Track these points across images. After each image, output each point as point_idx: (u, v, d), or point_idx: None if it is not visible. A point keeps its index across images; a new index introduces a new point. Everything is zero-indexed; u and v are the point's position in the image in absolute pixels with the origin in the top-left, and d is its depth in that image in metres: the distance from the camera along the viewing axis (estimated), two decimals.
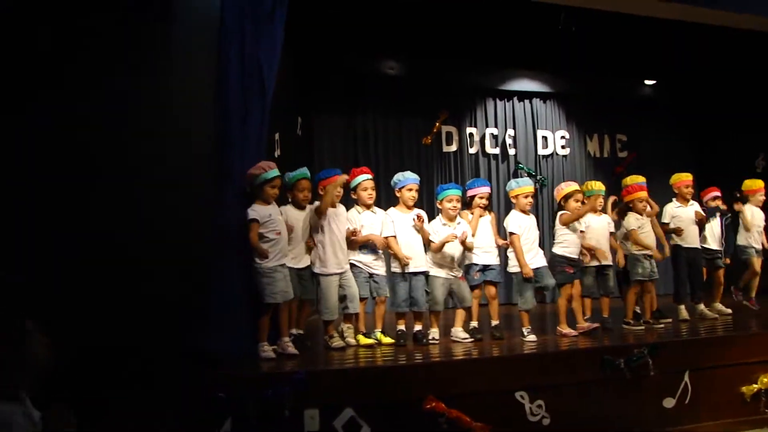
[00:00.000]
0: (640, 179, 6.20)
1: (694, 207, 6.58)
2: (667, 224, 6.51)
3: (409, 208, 5.44)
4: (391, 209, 5.48)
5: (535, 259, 5.55)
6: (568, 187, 5.81)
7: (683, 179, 6.68)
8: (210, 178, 4.67)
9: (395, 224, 5.34)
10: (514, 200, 5.71)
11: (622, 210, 6.22)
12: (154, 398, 3.83)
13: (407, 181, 5.45)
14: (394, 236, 5.32)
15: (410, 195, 5.42)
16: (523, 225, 5.55)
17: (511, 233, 5.54)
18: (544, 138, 9.52)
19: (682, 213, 6.53)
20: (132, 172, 4.35)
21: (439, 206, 5.57)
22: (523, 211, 5.63)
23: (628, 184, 6.23)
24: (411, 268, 5.29)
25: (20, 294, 2.51)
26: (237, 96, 4.70)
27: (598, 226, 5.93)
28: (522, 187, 5.70)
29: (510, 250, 5.62)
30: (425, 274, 5.35)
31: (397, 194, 5.50)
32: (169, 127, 4.48)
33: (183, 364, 4.12)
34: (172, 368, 4.05)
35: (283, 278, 4.74)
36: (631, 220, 6.01)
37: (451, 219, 5.47)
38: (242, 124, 4.72)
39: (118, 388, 3.77)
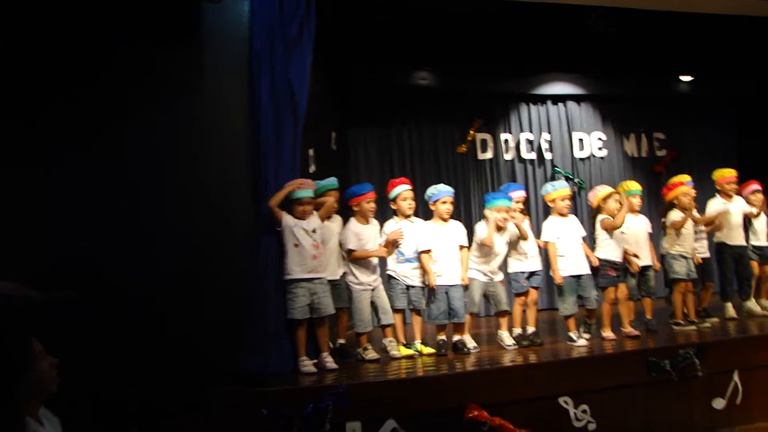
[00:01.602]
0: (686, 178, 6.09)
1: (739, 204, 6.40)
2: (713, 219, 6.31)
3: (444, 220, 5.39)
4: (428, 222, 5.44)
5: (579, 265, 5.45)
6: (604, 190, 5.67)
7: (726, 175, 6.51)
8: (245, 198, 4.71)
9: (432, 238, 5.30)
10: (551, 204, 5.63)
11: (665, 208, 6.07)
12: (199, 420, 3.86)
13: (441, 194, 5.41)
14: (429, 251, 5.28)
15: (445, 208, 5.37)
16: (560, 231, 5.46)
17: (547, 241, 5.47)
18: (581, 140, 9.35)
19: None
20: (168, 193, 4.43)
21: (487, 214, 5.43)
22: (561, 215, 5.54)
23: (669, 182, 6.11)
24: (447, 281, 5.25)
25: (26, 312, 2.49)
26: (269, 117, 4.73)
27: (636, 227, 5.82)
28: (558, 190, 5.61)
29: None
30: (462, 285, 5.29)
31: (432, 207, 5.46)
32: (203, 149, 4.55)
33: (226, 385, 4.14)
34: (216, 390, 4.08)
35: (304, 294, 4.70)
36: (673, 216, 5.87)
37: (499, 230, 5.41)
38: (276, 144, 4.75)
39: (163, 413, 3.82)
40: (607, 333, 5.41)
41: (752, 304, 6.36)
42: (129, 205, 4.34)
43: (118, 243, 4.26)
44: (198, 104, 4.56)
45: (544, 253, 5.71)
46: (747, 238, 6.49)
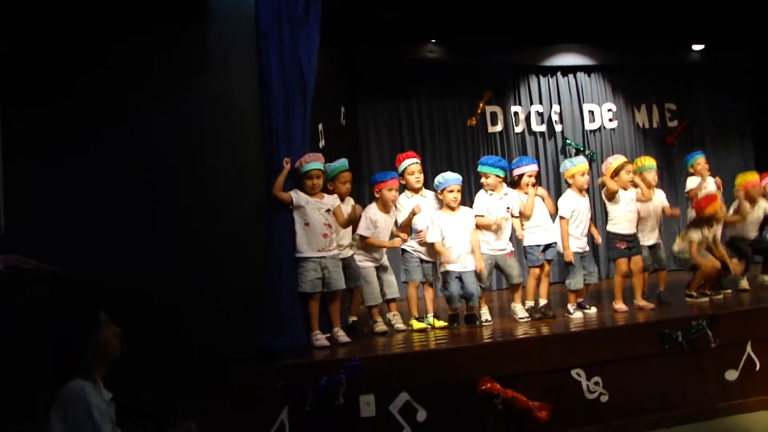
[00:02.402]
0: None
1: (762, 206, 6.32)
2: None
3: (452, 209, 5.33)
4: (437, 212, 5.38)
5: (585, 242, 5.45)
6: (616, 160, 5.57)
7: (749, 179, 6.37)
8: (258, 176, 4.70)
9: (442, 227, 5.26)
10: (570, 180, 5.50)
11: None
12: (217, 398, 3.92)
13: (448, 182, 5.32)
14: (440, 241, 5.24)
15: (452, 196, 5.29)
16: (576, 208, 5.40)
17: (561, 217, 5.40)
18: (591, 112, 9.27)
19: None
20: (180, 176, 4.46)
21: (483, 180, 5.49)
22: (580, 191, 5.47)
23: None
24: (460, 268, 5.22)
25: (94, 289, 2.84)
26: (280, 96, 4.70)
27: (653, 203, 5.73)
28: (577, 165, 5.49)
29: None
30: (473, 270, 5.25)
31: (440, 196, 5.40)
32: (212, 129, 4.54)
33: (244, 363, 4.18)
34: (234, 368, 4.12)
35: (314, 269, 4.71)
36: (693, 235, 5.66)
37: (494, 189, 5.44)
38: (286, 122, 4.72)
39: (180, 389, 3.87)
40: (619, 305, 5.40)
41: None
42: (141, 189, 4.37)
43: (132, 225, 4.31)
44: (205, 85, 4.55)
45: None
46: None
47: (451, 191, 5.31)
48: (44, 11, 4.25)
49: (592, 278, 5.52)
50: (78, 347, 2.45)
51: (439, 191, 5.39)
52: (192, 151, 4.51)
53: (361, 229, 5.20)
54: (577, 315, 5.29)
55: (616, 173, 5.50)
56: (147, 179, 4.40)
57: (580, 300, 5.47)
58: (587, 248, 5.51)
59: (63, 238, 4.08)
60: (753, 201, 6.29)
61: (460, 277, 5.20)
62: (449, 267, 5.20)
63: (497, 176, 5.41)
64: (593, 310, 5.44)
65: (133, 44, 4.42)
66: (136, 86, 4.41)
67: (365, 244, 5.24)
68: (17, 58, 4.17)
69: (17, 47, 4.18)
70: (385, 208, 5.29)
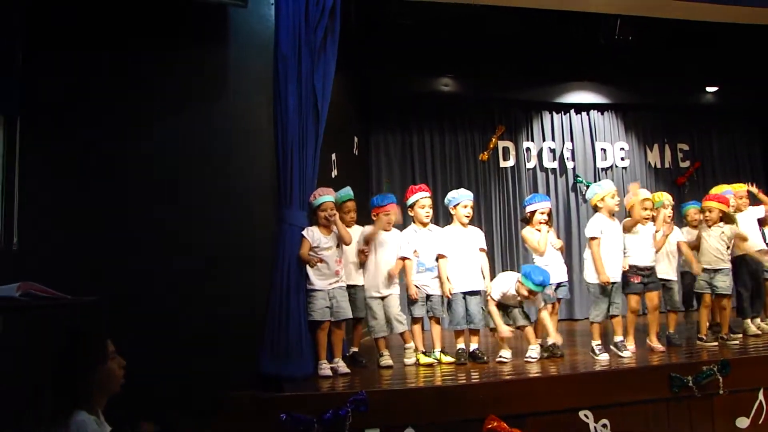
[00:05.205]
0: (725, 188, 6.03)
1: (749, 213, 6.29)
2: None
3: (464, 225, 5.38)
4: (447, 227, 5.43)
5: (617, 271, 5.32)
6: (636, 196, 5.49)
7: (736, 190, 6.40)
8: (268, 201, 4.71)
9: (450, 243, 5.27)
10: (600, 203, 5.42)
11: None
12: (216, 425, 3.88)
13: (461, 198, 5.40)
14: (446, 256, 5.27)
15: (465, 212, 5.37)
16: (606, 229, 5.31)
17: (591, 238, 5.31)
18: (603, 150, 9.28)
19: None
20: (192, 197, 4.46)
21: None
22: (611, 215, 5.40)
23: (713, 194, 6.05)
24: (467, 287, 5.24)
25: (102, 316, 2.76)
26: (295, 122, 4.72)
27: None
28: (607, 189, 5.43)
29: (586, 256, 5.46)
30: (480, 292, 5.27)
31: (452, 211, 5.47)
32: (226, 153, 4.56)
33: (244, 389, 4.15)
34: (234, 394, 4.09)
35: (323, 297, 4.77)
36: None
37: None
38: (300, 150, 4.74)
39: (181, 415, 3.83)
40: (629, 345, 5.32)
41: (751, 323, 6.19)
42: (151, 209, 4.39)
43: (138, 244, 4.32)
44: (223, 108, 4.58)
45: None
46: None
47: (465, 206, 5.35)
48: (64, 24, 4.32)
49: (616, 309, 5.32)
50: (84, 376, 2.41)
51: (451, 206, 5.43)
52: (204, 172, 4.52)
53: (360, 245, 5.23)
54: (603, 357, 5.09)
55: (632, 206, 5.47)
56: (155, 197, 4.41)
57: (619, 339, 5.29)
58: (618, 278, 5.34)
59: (72, 258, 4.12)
60: (738, 210, 6.24)
61: (464, 297, 5.19)
62: (455, 288, 5.23)
63: None
64: (628, 353, 5.19)
65: (153, 62, 4.48)
66: (153, 105, 4.46)
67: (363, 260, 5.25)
68: (35, 73, 4.23)
69: (34, 62, 4.23)
70: (384, 230, 5.30)
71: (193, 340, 4.21)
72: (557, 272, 5.49)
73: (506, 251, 8.81)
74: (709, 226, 5.86)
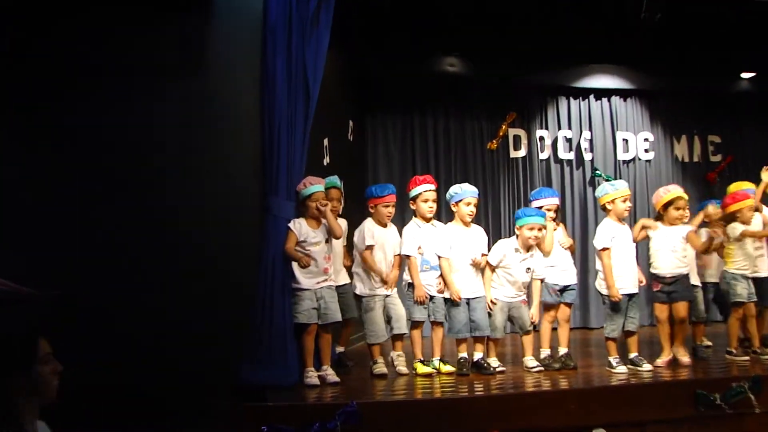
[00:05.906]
0: (747, 185, 5.95)
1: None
2: None
3: (466, 224, 5.35)
4: (449, 225, 5.40)
5: (633, 281, 5.29)
6: (668, 193, 5.46)
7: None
8: (254, 190, 4.71)
9: (452, 243, 5.26)
10: (610, 205, 5.39)
11: (726, 220, 5.91)
12: None
13: (465, 194, 5.36)
14: (449, 258, 5.26)
15: (468, 210, 5.33)
16: (617, 236, 5.27)
17: (602, 249, 5.27)
18: (625, 141, 9.25)
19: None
20: (168, 184, 4.45)
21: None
22: (620, 220, 5.37)
23: (732, 191, 5.97)
24: (469, 293, 5.23)
25: (39, 313, 2.62)
26: (283, 102, 4.71)
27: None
28: (619, 190, 5.38)
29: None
30: (483, 297, 5.26)
31: (453, 208, 5.44)
32: (209, 132, 4.55)
33: (224, 398, 4.15)
34: (213, 403, 4.07)
35: (310, 298, 4.76)
36: (736, 228, 5.67)
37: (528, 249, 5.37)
38: (288, 134, 4.73)
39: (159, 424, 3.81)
40: (662, 358, 5.30)
41: None
42: (126, 197, 4.37)
43: (112, 240, 4.31)
44: (203, 85, 4.56)
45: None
46: None
47: (468, 204, 5.34)
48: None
49: (631, 324, 5.27)
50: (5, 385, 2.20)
51: (453, 202, 5.41)
52: (183, 154, 4.51)
53: (359, 242, 5.23)
54: (621, 369, 5.08)
55: (665, 207, 5.44)
56: (130, 184, 4.39)
57: (634, 354, 5.24)
58: (635, 290, 5.31)
59: (47, 247, 4.14)
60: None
61: (468, 302, 5.19)
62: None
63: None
64: (646, 366, 5.14)
65: (127, 34, 4.45)
66: (127, 82, 4.43)
67: (365, 262, 5.22)
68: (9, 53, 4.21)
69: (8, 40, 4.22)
70: (382, 223, 5.30)
71: (171, 344, 4.20)
72: (565, 274, 5.47)
73: None
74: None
